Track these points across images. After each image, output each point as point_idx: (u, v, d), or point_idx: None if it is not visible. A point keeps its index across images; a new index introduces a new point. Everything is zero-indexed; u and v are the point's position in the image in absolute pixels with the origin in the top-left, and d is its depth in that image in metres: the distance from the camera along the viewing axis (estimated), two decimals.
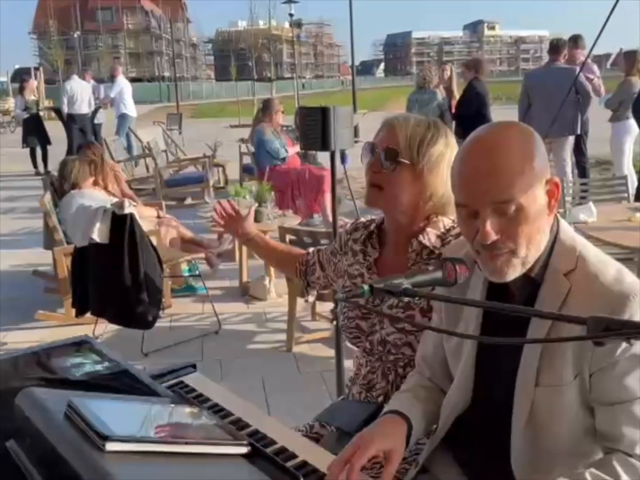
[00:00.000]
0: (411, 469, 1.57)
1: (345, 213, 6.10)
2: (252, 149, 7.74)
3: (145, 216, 5.09)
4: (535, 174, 1.30)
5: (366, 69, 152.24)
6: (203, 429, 1.32)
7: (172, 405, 1.44)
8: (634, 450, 1.28)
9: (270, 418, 1.56)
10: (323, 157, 7.34)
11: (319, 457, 1.33)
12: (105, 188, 5.25)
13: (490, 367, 1.45)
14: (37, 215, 6.26)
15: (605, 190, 5.17)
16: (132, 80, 23.31)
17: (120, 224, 3.90)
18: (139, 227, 3.93)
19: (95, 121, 12.81)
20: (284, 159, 7.02)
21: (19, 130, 15.16)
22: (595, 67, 8.07)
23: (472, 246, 1.35)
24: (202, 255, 5.40)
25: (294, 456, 1.32)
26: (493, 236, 1.29)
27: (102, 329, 4.48)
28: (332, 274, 2.06)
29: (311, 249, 2.21)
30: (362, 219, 1.99)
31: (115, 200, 4.41)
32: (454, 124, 7.82)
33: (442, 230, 1.79)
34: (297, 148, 6.99)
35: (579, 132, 7.13)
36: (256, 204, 4.97)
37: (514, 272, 1.32)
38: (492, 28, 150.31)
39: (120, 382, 1.56)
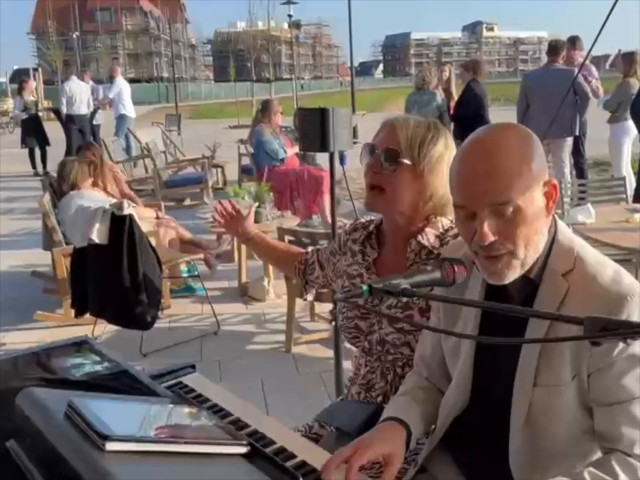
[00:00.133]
0: (410, 469, 1.57)
1: (344, 214, 6.09)
2: (251, 149, 7.73)
3: (144, 217, 5.10)
4: (533, 175, 1.30)
5: (365, 69, 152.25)
6: (202, 429, 1.32)
7: (172, 405, 1.44)
8: (633, 450, 1.29)
9: (270, 418, 1.56)
10: (322, 158, 7.34)
11: (318, 457, 1.33)
12: (105, 189, 5.25)
13: (489, 367, 1.46)
14: (36, 216, 6.27)
15: (603, 192, 5.18)
16: (131, 81, 23.33)
17: (120, 224, 3.90)
18: (138, 228, 3.94)
19: (94, 122, 12.80)
20: (282, 160, 7.02)
21: (18, 131, 15.17)
22: (593, 69, 8.09)
23: (470, 247, 1.35)
24: (201, 256, 5.41)
25: (293, 456, 1.32)
26: (490, 237, 1.29)
27: (101, 330, 4.48)
28: (331, 273, 2.06)
29: (310, 248, 2.22)
30: (362, 220, 2.00)
31: (114, 201, 4.41)
32: (452, 125, 7.83)
33: (441, 230, 1.80)
34: (296, 149, 6.99)
35: (577, 133, 7.15)
36: (256, 204, 4.97)
37: (513, 274, 1.33)
38: (491, 29, 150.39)
39: (120, 383, 1.56)
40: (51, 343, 1.78)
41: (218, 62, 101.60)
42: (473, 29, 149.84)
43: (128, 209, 3.93)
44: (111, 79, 13.29)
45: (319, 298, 4.17)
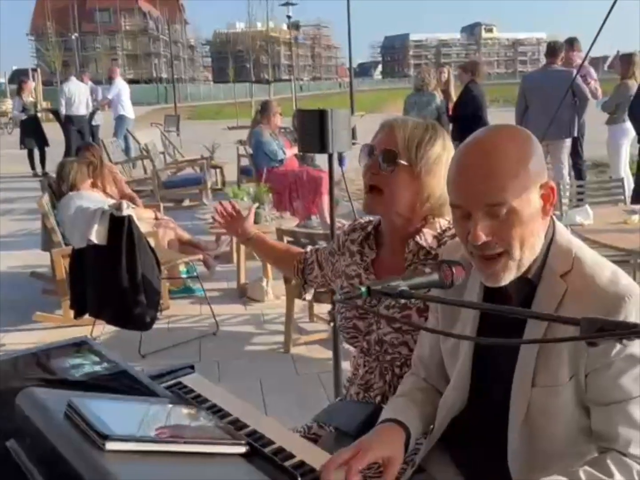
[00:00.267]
0: (408, 469, 1.58)
1: (342, 215, 6.10)
2: (250, 150, 7.74)
3: (143, 218, 5.11)
4: (530, 177, 1.30)
5: (364, 71, 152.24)
6: (202, 429, 1.33)
7: (171, 405, 1.44)
8: (629, 450, 1.30)
9: (268, 418, 1.57)
10: (321, 159, 7.34)
11: (317, 457, 1.34)
12: (104, 190, 5.26)
13: (487, 368, 1.46)
14: (35, 216, 6.27)
15: (601, 193, 5.18)
16: (130, 81, 23.31)
17: (119, 225, 3.90)
18: (137, 229, 3.94)
19: (93, 123, 12.81)
20: (281, 161, 7.03)
21: (17, 132, 15.17)
22: (591, 70, 8.10)
23: (466, 247, 1.36)
24: (200, 256, 5.41)
25: (291, 456, 1.33)
26: (483, 237, 1.30)
27: (99, 331, 4.48)
28: (329, 274, 2.07)
29: (309, 248, 2.22)
30: (360, 220, 2.01)
31: (113, 201, 4.41)
32: (451, 126, 7.84)
33: (439, 231, 1.81)
34: (295, 150, 6.99)
35: (575, 134, 7.16)
36: (256, 205, 4.98)
37: (509, 276, 1.34)
38: (490, 30, 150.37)
39: (119, 383, 1.56)
40: (50, 343, 1.79)
41: (217, 63, 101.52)
42: (472, 30, 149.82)
43: (127, 210, 3.93)
44: (110, 80, 13.28)
45: (318, 299, 4.18)
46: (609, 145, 7.76)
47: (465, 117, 7.38)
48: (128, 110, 12.68)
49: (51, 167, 9.66)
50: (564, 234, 1.41)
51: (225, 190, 7.24)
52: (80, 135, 12.13)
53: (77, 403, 1.19)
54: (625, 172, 7.46)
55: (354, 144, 3.28)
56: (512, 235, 1.30)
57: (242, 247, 5.21)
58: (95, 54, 74.44)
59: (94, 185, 5.12)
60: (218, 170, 10.55)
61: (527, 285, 1.38)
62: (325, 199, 6.50)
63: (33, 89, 16.19)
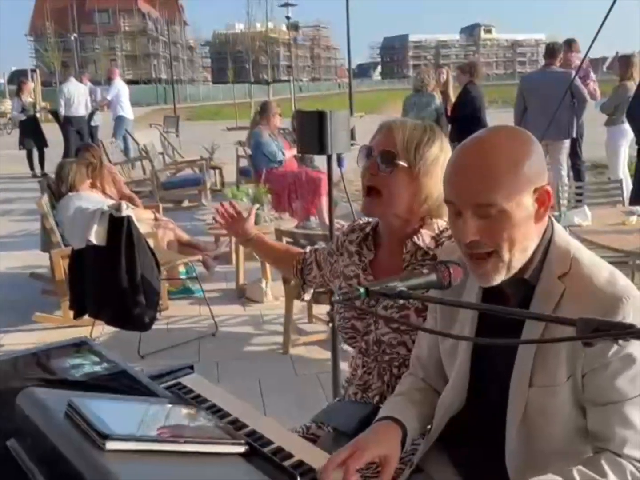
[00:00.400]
0: (406, 469, 1.58)
1: (341, 216, 6.11)
2: (249, 151, 7.75)
3: (142, 219, 5.11)
4: (523, 181, 1.30)
5: (363, 71, 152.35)
6: (201, 429, 1.34)
7: (171, 405, 1.45)
8: (623, 450, 1.30)
9: (267, 419, 1.57)
10: (320, 159, 7.36)
11: (315, 457, 1.35)
12: (103, 191, 5.26)
13: (485, 368, 1.47)
14: (35, 217, 6.27)
15: (600, 194, 5.19)
16: (129, 82, 23.29)
17: (118, 226, 3.91)
18: (136, 230, 3.95)
19: (92, 123, 12.80)
20: (281, 162, 7.03)
21: (16, 132, 15.16)
22: (590, 71, 8.10)
23: (459, 246, 1.37)
24: (199, 257, 5.42)
25: (290, 456, 1.34)
26: (470, 236, 1.31)
27: (99, 331, 4.49)
28: (328, 274, 2.08)
29: (309, 248, 2.23)
30: (359, 221, 2.02)
31: (112, 202, 4.42)
32: (449, 127, 7.85)
33: (436, 231, 1.82)
34: (294, 151, 6.99)
35: (574, 135, 7.17)
36: (257, 206, 4.98)
37: (499, 277, 1.34)
38: (489, 31, 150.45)
39: (119, 383, 1.57)
40: (50, 344, 1.79)
41: (216, 64, 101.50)
42: (471, 31, 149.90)
43: (126, 211, 3.94)
44: (109, 81, 13.29)
45: (317, 300, 4.18)
46: (608, 147, 7.77)
47: (464, 118, 7.38)
48: (127, 111, 12.68)
49: (50, 168, 9.67)
50: (562, 235, 1.41)
51: (225, 191, 7.23)
52: (80, 136, 12.13)
53: (78, 403, 1.19)
54: (624, 174, 7.46)
55: (352, 145, 3.28)
56: (501, 237, 1.30)
57: (241, 248, 5.22)
58: (95, 55, 74.37)
59: (93, 185, 5.12)
60: (217, 171, 10.56)
61: (525, 286, 1.38)
62: (324, 200, 6.50)
63: (32, 90, 16.20)
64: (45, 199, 4.99)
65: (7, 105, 23.82)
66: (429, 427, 1.59)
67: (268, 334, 4.60)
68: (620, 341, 0.99)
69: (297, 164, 7.61)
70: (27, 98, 13.59)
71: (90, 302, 4.09)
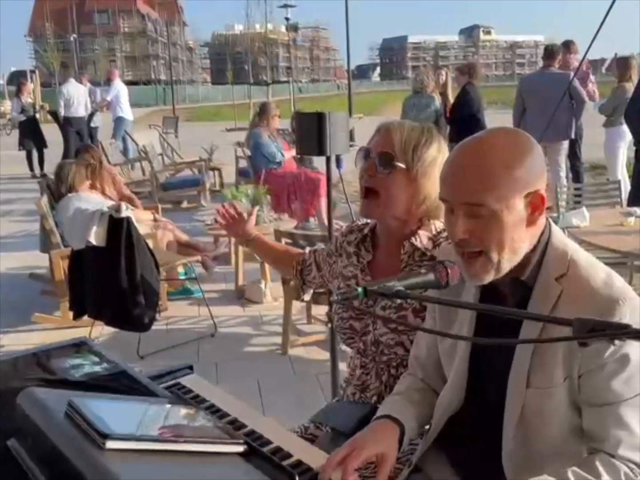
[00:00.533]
0: (404, 469, 1.59)
1: (340, 216, 6.12)
2: (248, 152, 7.75)
3: (141, 219, 5.11)
4: (515, 184, 1.30)
5: (362, 72, 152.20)
6: (201, 429, 1.34)
7: (170, 405, 1.46)
8: (617, 451, 1.31)
9: (266, 419, 1.58)
10: (319, 160, 7.35)
11: (314, 457, 1.35)
12: (102, 191, 5.26)
13: (484, 368, 1.47)
14: (34, 217, 6.27)
15: (599, 195, 5.20)
16: (129, 83, 23.28)
17: (117, 227, 3.91)
18: (135, 231, 3.95)
19: (92, 124, 12.80)
20: (280, 163, 7.04)
21: (15, 133, 15.16)
22: (589, 72, 8.12)
23: (453, 244, 1.38)
24: (198, 258, 5.42)
25: (289, 455, 1.34)
26: (460, 234, 1.32)
27: (98, 332, 4.49)
28: (327, 274, 2.09)
29: (308, 249, 2.24)
30: (358, 222, 2.02)
31: (111, 203, 4.42)
32: (448, 128, 7.85)
33: (434, 232, 1.83)
34: (294, 152, 7.00)
35: (573, 136, 7.18)
36: (257, 207, 4.99)
37: (488, 276, 1.35)
38: (488, 33, 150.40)
39: (119, 383, 1.58)
40: (50, 344, 1.80)
41: (215, 65, 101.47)
42: (470, 32, 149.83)
43: (126, 212, 3.94)
44: (108, 82, 13.30)
45: (316, 300, 4.19)
46: (606, 148, 7.78)
47: (462, 119, 7.39)
48: (126, 111, 12.69)
49: (50, 169, 9.66)
50: (560, 237, 1.41)
51: (224, 192, 7.23)
52: (79, 136, 12.13)
53: (78, 403, 1.20)
54: (622, 175, 7.47)
55: (351, 146, 3.29)
56: (490, 238, 1.31)
57: (241, 249, 5.23)
58: (94, 56, 74.36)
59: (92, 186, 5.12)
60: (216, 171, 10.56)
61: (523, 287, 1.39)
62: (323, 201, 6.51)
63: (32, 91, 16.19)
64: (44, 199, 4.99)
65: (7, 106, 23.82)
66: (427, 427, 1.59)
67: (267, 335, 4.61)
68: (616, 341, 1.00)
69: (296, 165, 7.62)
70: (27, 99, 13.59)
71: (90, 303, 4.10)
